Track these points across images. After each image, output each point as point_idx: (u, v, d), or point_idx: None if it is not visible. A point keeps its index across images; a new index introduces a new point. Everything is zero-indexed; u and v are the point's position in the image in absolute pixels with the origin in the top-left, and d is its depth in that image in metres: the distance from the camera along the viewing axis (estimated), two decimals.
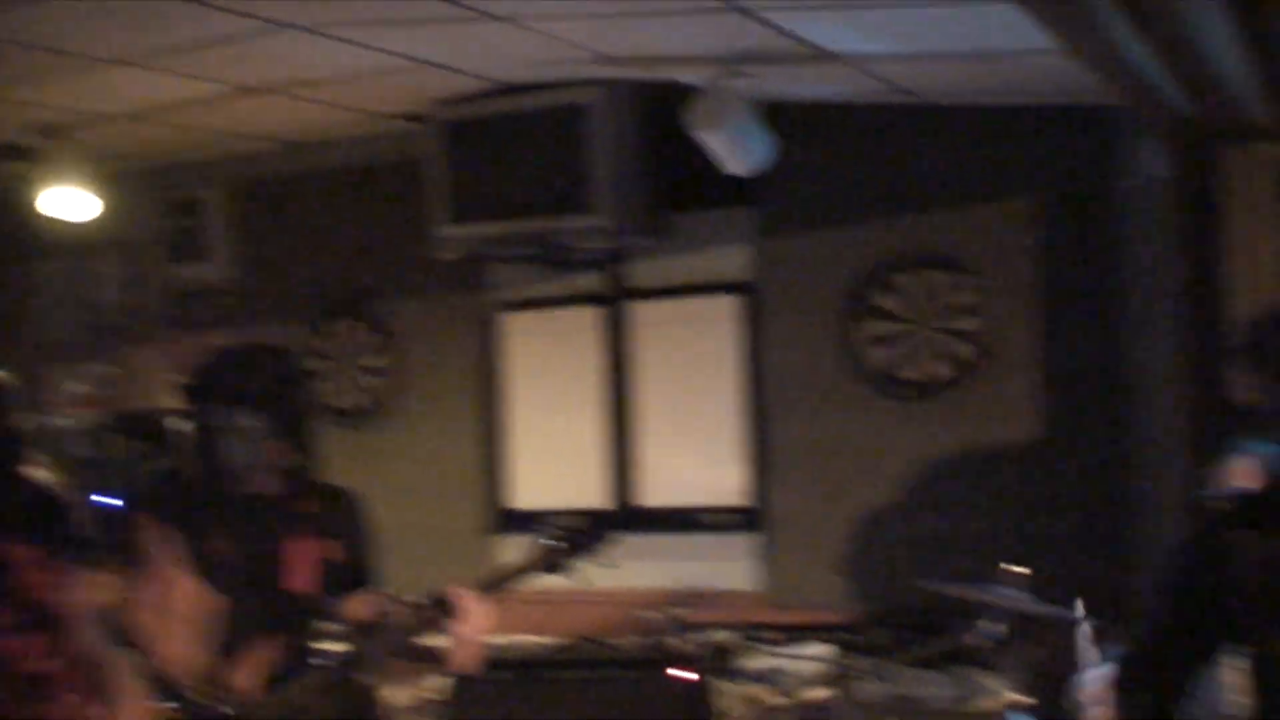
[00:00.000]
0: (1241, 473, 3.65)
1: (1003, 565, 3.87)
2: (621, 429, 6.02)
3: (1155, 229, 5.00)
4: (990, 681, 4.71)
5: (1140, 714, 2.49)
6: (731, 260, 5.86)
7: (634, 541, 5.72)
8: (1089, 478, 5.18)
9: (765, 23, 4.20)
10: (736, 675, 4.71)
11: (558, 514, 3.51)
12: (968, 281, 5.39)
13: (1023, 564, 4.99)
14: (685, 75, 4.89)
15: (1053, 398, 5.25)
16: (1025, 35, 3.66)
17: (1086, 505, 5.16)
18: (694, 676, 4.17)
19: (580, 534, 3.44)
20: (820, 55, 4.57)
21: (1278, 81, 4.03)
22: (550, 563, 3.36)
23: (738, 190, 5.58)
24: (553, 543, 3.37)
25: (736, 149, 4.96)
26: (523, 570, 3.38)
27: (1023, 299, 5.32)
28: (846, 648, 5.18)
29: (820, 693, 4.66)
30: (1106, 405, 5.18)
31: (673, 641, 4.23)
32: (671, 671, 4.14)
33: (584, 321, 6.08)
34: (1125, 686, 2.53)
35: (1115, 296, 5.17)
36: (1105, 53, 3.43)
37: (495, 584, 3.36)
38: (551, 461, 6.13)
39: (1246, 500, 2.26)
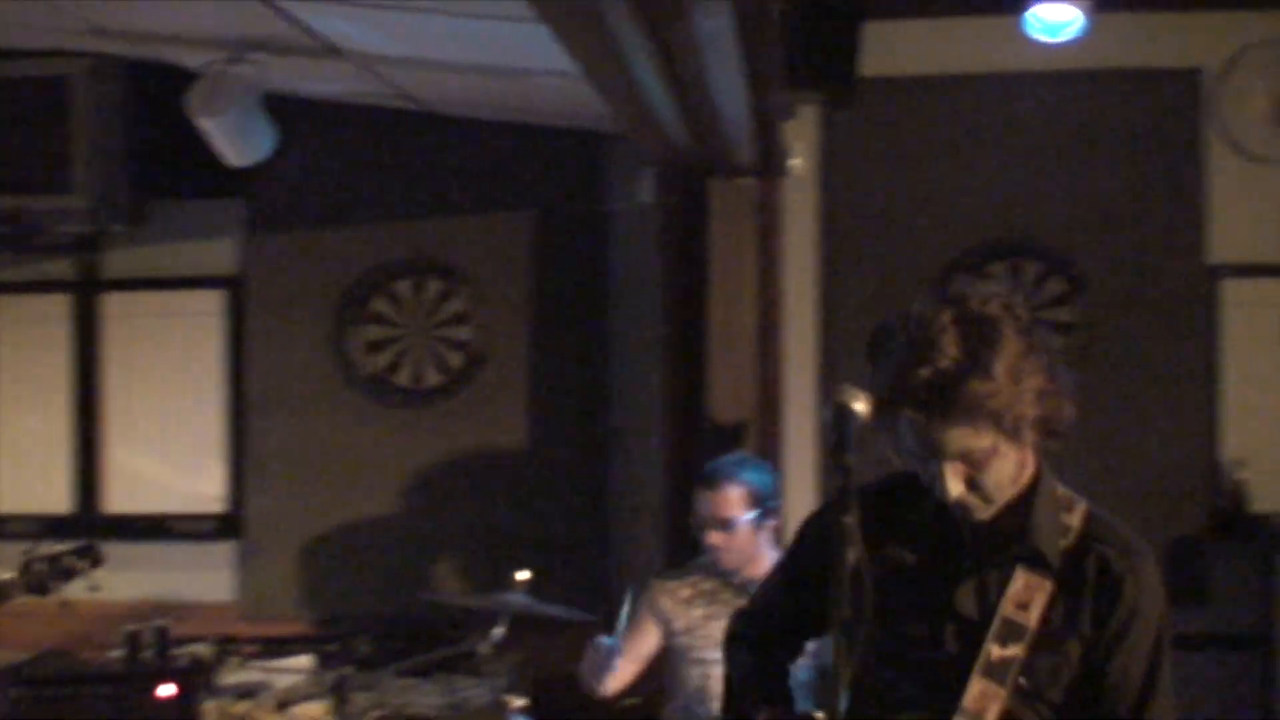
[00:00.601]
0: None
1: (518, 572, 3.92)
2: (90, 429, 5.59)
3: (641, 251, 5.31)
4: (480, 688, 4.79)
5: (739, 667, 2.61)
6: (217, 253, 5.61)
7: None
8: (574, 483, 5.36)
9: (278, 11, 4.03)
10: (218, 691, 4.49)
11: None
12: (462, 290, 5.45)
13: (514, 567, 5.15)
14: (187, 58, 4.62)
15: (540, 406, 5.41)
16: (540, 56, 3.72)
17: (571, 509, 5.35)
18: (174, 692, 3.92)
19: (69, 555, 3.16)
20: (329, 50, 4.46)
21: (763, 122, 4.36)
22: (35, 583, 3.06)
23: (226, 180, 5.34)
24: (39, 564, 3.07)
25: (235, 139, 4.74)
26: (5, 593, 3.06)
27: (514, 310, 5.45)
28: (332, 659, 5.10)
29: (312, 708, 4.54)
30: (591, 414, 5.39)
31: (151, 656, 3.96)
32: (158, 689, 3.87)
33: (54, 310, 5.61)
34: (729, 639, 2.67)
35: (602, 312, 5.41)
36: (622, 83, 3.56)
37: None
38: (12, 461, 5.59)
39: (865, 488, 2.40)
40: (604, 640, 4.04)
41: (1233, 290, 5.00)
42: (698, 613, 4.12)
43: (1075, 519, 2.22)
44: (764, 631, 2.59)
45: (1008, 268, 5.11)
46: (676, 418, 5.03)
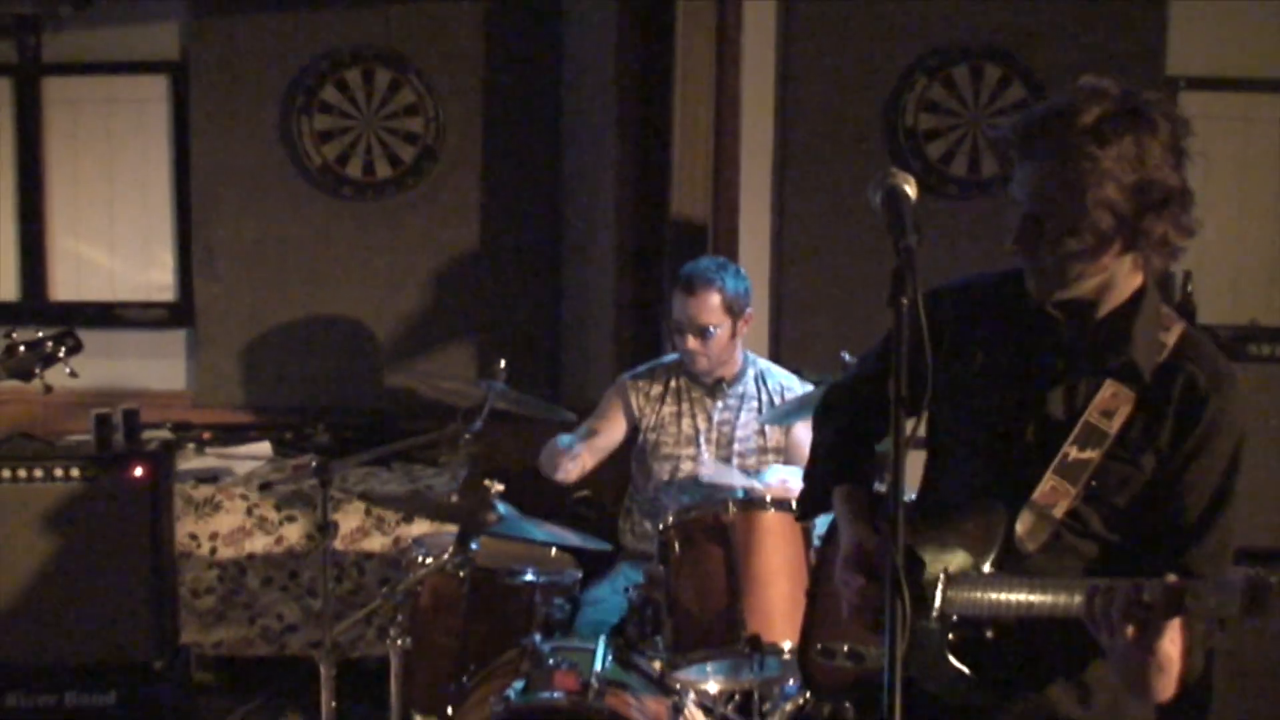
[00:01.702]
0: None
1: (502, 362, 3.97)
2: (35, 215, 5.48)
3: (596, 45, 5.22)
4: (440, 476, 4.88)
5: (824, 441, 2.69)
6: (162, 37, 5.44)
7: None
8: (527, 277, 5.37)
9: None
10: (179, 476, 4.53)
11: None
12: (413, 81, 5.34)
13: (466, 359, 5.20)
14: None
15: (493, 200, 5.37)
16: None
17: (524, 303, 5.37)
18: (146, 474, 3.95)
19: (50, 340, 3.15)
20: None
21: None
22: (20, 368, 3.06)
23: None
24: (23, 349, 3.06)
25: None
26: None
27: (467, 103, 5.36)
28: (289, 447, 5.15)
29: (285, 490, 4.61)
30: (544, 208, 5.37)
31: (120, 439, 3.98)
32: (130, 470, 3.91)
33: None
34: (821, 409, 2.74)
35: (556, 106, 5.34)
36: None
37: None
38: None
39: (971, 282, 2.45)
40: (563, 437, 4.13)
41: (1190, 102, 5.04)
42: (668, 410, 4.22)
43: (1171, 337, 2.27)
44: (853, 406, 2.65)
45: (969, 71, 5.10)
46: (632, 216, 5.03)
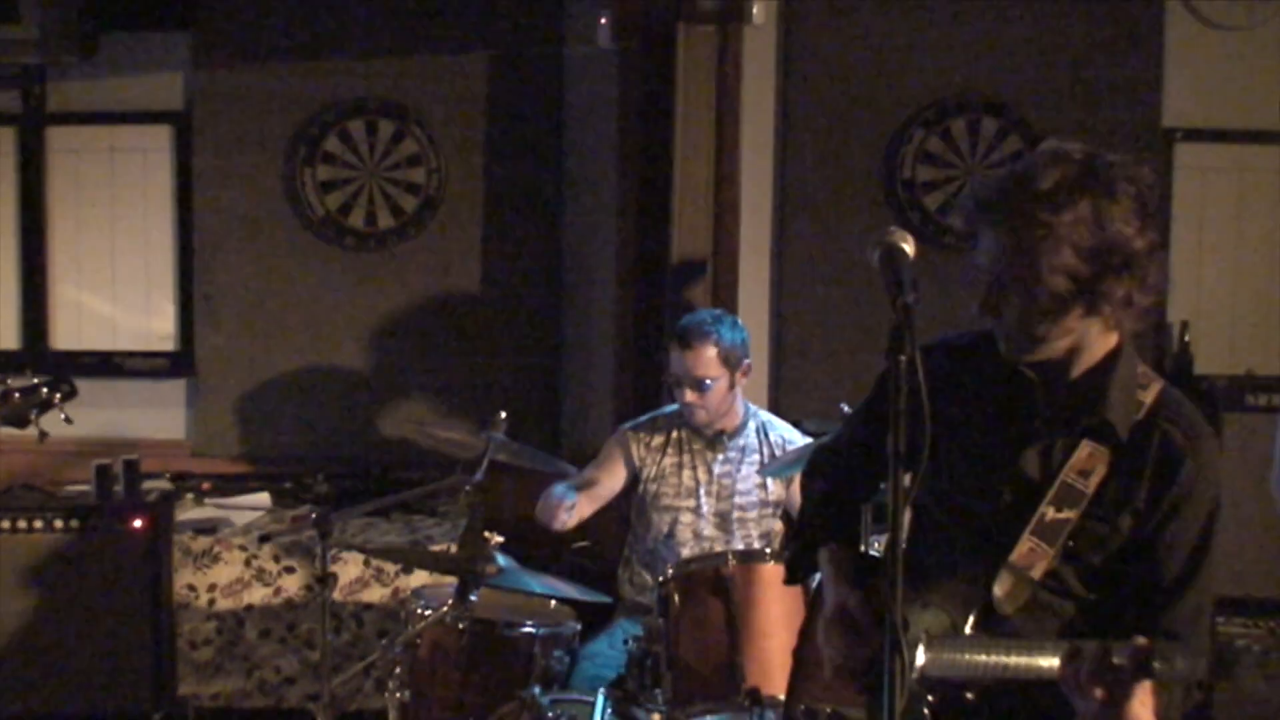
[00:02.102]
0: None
1: (502, 413, 3.97)
2: (37, 264, 5.50)
3: (598, 96, 5.26)
4: (440, 527, 4.87)
5: (811, 500, 2.71)
6: (166, 87, 5.47)
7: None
8: (527, 327, 5.37)
9: None
10: (177, 527, 4.53)
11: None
12: (416, 132, 5.38)
13: (466, 409, 5.21)
14: None
15: (494, 251, 5.39)
16: None
17: (525, 353, 5.37)
18: (145, 524, 3.96)
19: (44, 386, 3.16)
20: None
21: None
22: (15, 415, 3.07)
23: (177, 12, 5.23)
24: (17, 395, 3.06)
25: None
26: None
27: (469, 154, 5.39)
28: (287, 498, 5.15)
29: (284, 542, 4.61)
30: (545, 259, 5.38)
31: (120, 489, 3.99)
32: (129, 521, 3.92)
33: None
34: (808, 470, 2.75)
35: (557, 156, 5.37)
36: None
37: None
38: None
39: (943, 343, 2.45)
40: (558, 487, 4.14)
41: (1186, 154, 5.08)
42: (669, 461, 4.23)
43: (1149, 396, 2.27)
44: (839, 466, 2.66)
45: (966, 123, 5.14)
46: (633, 264, 5.05)
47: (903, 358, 1.96)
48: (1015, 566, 2.24)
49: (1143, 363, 2.32)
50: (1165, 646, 2.02)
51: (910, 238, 2.14)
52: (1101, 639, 2.09)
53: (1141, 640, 2.01)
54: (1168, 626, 2.20)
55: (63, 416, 3.80)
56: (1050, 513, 2.24)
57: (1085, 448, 2.24)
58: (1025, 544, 2.24)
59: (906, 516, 2.49)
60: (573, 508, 4.07)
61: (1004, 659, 2.14)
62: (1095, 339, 2.24)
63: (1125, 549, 2.25)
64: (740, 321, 4.24)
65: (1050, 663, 2.10)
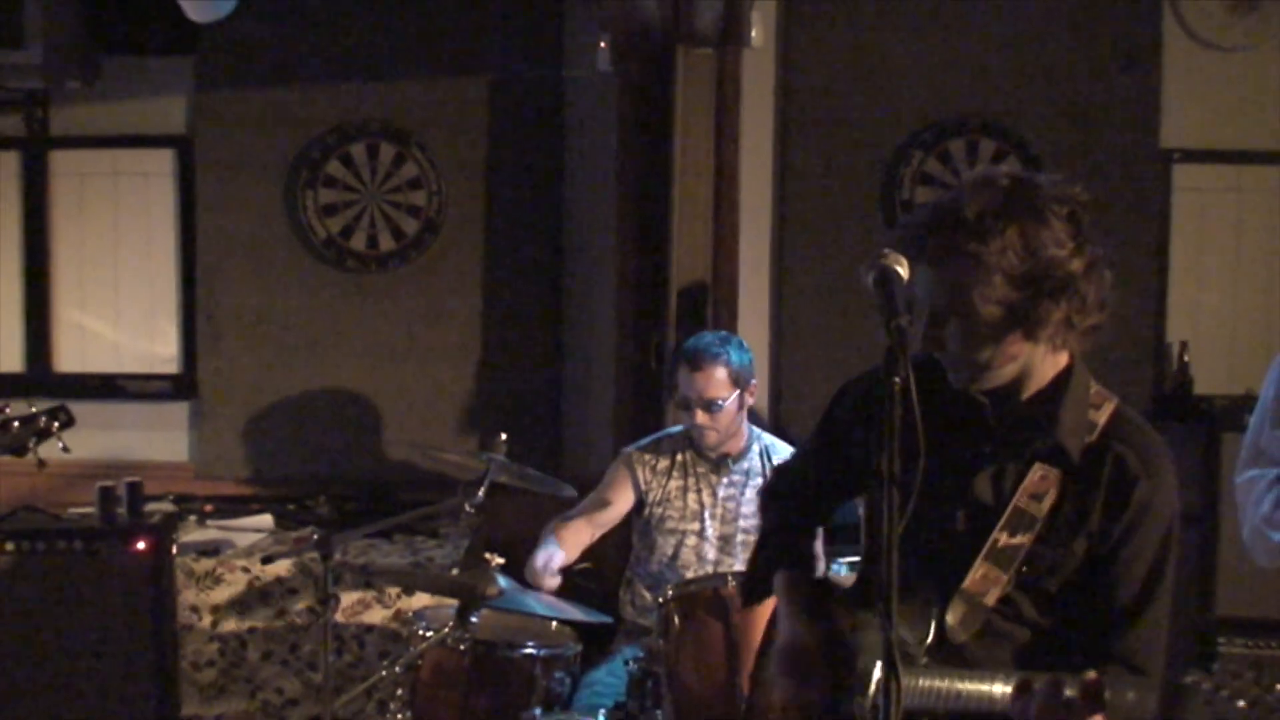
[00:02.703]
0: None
1: (503, 435, 4.00)
2: (41, 287, 5.53)
3: (597, 119, 5.29)
4: (442, 548, 4.88)
5: (768, 524, 2.71)
6: (168, 112, 5.51)
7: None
8: (528, 349, 5.39)
9: None
10: (180, 549, 4.55)
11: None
12: (417, 155, 5.41)
13: (468, 431, 5.23)
14: None
15: (495, 273, 5.41)
16: None
17: (525, 375, 5.39)
18: (148, 547, 3.98)
19: (44, 415, 3.18)
20: None
21: None
22: (14, 443, 3.09)
23: (180, 37, 5.26)
24: (16, 423, 3.09)
25: None
26: None
27: (469, 176, 5.42)
28: (290, 519, 5.16)
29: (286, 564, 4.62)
30: (545, 281, 5.41)
31: (124, 512, 4.01)
32: (133, 544, 3.93)
33: (1, 167, 5.49)
34: (766, 493, 2.76)
35: (557, 179, 5.39)
36: None
37: None
38: None
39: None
40: (540, 553, 4.05)
41: (1184, 175, 5.11)
42: (674, 484, 4.24)
43: (1102, 416, 2.25)
44: (796, 489, 2.66)
45: (964, 145, 5.16)
46: (633, 286, 5.07)
47: (897, 379, 1.96)
48: (968, 593, 2.23)
49: (1095, 382, 2.30)
50: (1117, 677, 2.00)
51: (904, 260, 2.13)
52: (1055, 666, 2.08)
53: (1091, 674, 1.99)
54: (1122, 653, 2.18)
55: (60, 445, 3.82)
56: (1003, 538, 2.22)
57: (1037, 471, 2.22)
58: (978, 570, 2.23)
59: (864, 540, 2.50)
60: (558, 570, 4.03)
61: (956, 686, 2.13)
62: (1043, 361, 2.23)
63: (1079, 574, 2.23)
64: (745, 342, 4.27)
65: (1004, 690, 2.08)
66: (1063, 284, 2.12)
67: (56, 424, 3.78)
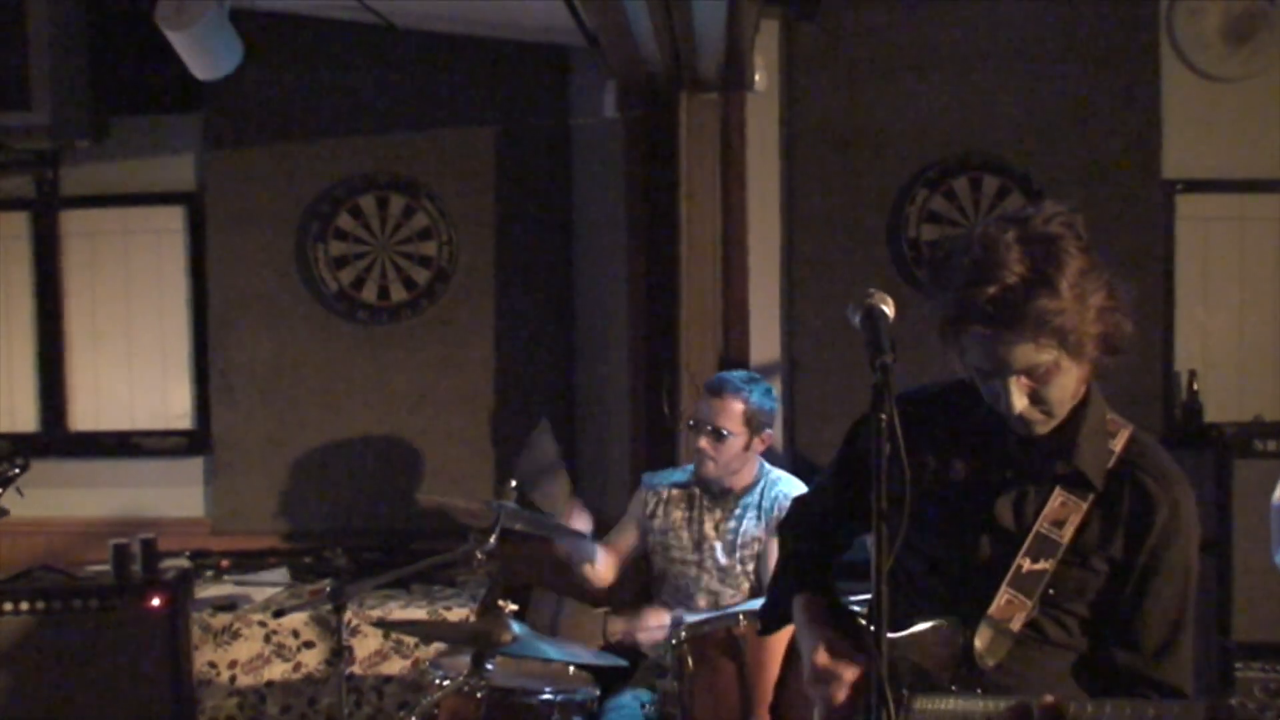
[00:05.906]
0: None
1: (512, 482, 4.03)
2: (54, 347, 5.57)
3: (605, 165, 5.33)
4: (459, 596, 4.88)
5: (785, 552, 2.71)
6: (178, 169, 5.57)
7: (70, 468, 5.43)
8: (541, 397, 5.41)
9: None
10: (196, 605, 4.55)
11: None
12: (426, 206, 5.45)
13: (480, 481, 5.24)
14: None
15: (506, 321, 5.44)
16: None
17: (539, 417, 5.40)
18: (163, 603, 3.99)
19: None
20: None
21: (733, 35, 4.40)
22: None
23: (188, 95, 5.33)
24: None
25: (205, 52, 4.67)
26: None
27: (479, 226, 5.45)
28: (306, 572, 5.16)
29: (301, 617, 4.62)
30: (556, 328, 5.43)
31: (138, 568, 4.02)
32: (147, 600, 3.95)
33: (13, 229, 5.54)
34: (783, 524, 2.76)
35: (566, 226, 5.43)
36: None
37: None
38: None
39: (915, 394, 2.43)
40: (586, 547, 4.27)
41: (1187, 205, 5.12)
42: (677, 514, 4.29)
43: (1119, 443, 2.28)
44: (815, 520, 2.67)
45: (968, 182, 5.19)
46: (645, 329, 5.10)
47: (883, 415, 1.98)
48: (994, 619, 2.24)
49: (1110, 410, 2.32)
50: (1160, 703, 2.00)
51: (890, 300, 2.16)
52: (1089, 690, 2.08)
53: (1049, 697, 2.00)
54: (1161, 680, 2.19)
55: (16, 490, 3.82)
56: (1027, 564, 2.24)
57: (1058, 497, 2.24)
58: (1003, 596, 2.24)
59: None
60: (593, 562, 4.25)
61: (985, 707, 2.13)
62: None
63: (1105, 595, 2.25)
64: (774, 392, 4.30)
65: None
66: (1121, 329, 2.17)
67: (16, 469, 3.79)
